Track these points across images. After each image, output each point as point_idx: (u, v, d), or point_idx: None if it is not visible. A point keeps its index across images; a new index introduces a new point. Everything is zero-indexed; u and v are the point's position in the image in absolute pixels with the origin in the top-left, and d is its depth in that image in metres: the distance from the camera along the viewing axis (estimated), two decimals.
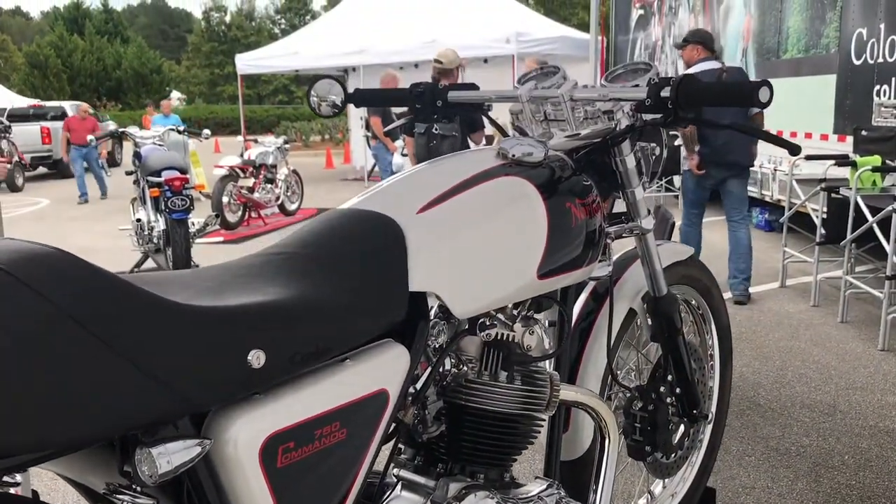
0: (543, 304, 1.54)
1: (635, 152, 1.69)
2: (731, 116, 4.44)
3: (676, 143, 4.47)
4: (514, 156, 1.43)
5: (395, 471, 1.40)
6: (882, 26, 5.73)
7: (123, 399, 0.85)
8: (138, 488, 0.91)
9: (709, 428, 2.23)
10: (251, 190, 9.25)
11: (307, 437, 1.03)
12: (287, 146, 10.22)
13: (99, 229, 9.31)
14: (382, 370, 1.14)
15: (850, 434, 3.17)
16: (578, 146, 1.64)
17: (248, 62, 14.54)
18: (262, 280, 1.10)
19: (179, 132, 7.06)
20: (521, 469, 2.75)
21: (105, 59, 42.31)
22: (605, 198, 1.68)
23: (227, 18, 52.83)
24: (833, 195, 4.95)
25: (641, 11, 11.56)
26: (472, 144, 5.71)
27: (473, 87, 1.87)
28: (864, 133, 5.55)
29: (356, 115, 14.82)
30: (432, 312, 1.32)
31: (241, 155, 9.64)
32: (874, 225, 4.38)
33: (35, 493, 1.78)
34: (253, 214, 9.51)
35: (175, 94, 50.11)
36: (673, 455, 1.95)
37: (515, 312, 1.49)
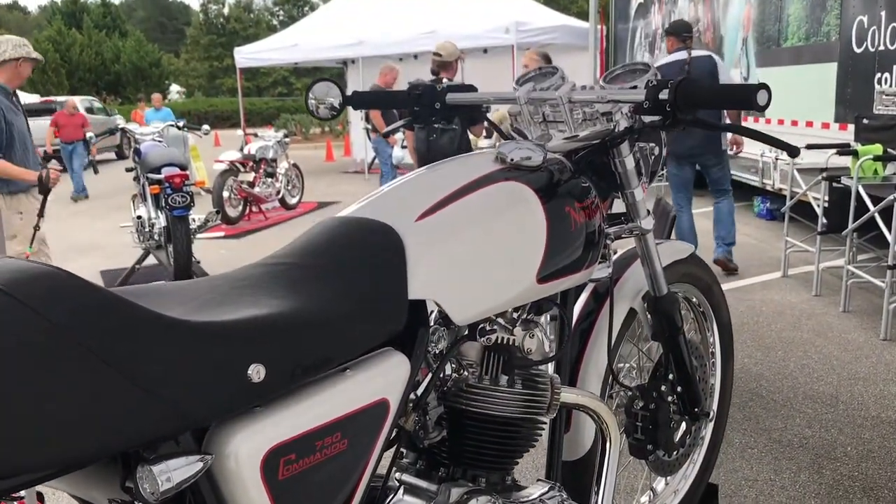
0: (544, 306, 1.54)
1: (634, 153, 1.69)
2: (703, 114, 4.49)
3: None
4: (512, 160, 1.43)
5: (398, 475, 1.41)
6: (883, 14, 5.70)
7: (124, 417, 0.85)
8: None
9: (710, 425, 2.23)
10: (251, 184, 9.26)
11: (308, 448, 1.04)
12: (287, 140, 10.22)
13: (100, 225, 9.31)
14: (383, 379, 1.14)
15: (853, 425, 3.18)
16: (577, 148, 1.63)
17: (246, 55, 14.50)
18: (260, 292, 1.10)
19: (179, 128, 7.04)
20: (524, 469, 2.75)
21: (103, 54, 42.20)
22: (604, 199, 1.67)
23: (226, 11, 52.69)
24: (834, 184, 4.94)
25: (641, 0, 11.52)
26: (471, 137, 5.72)
27: (472, 88, 1.87)
28: (865, 121, 5.53)
29: None
30: (432, 319, 1.32)
31: (241, 149, 9.64)
32: (876, 214, 4.37)
33: (40, 494, 1.80)
34: (254, 209, 9.52)
35: (174, 88, 50.08)
36: (675, 453, 1.95)
37: (515, 316, 1.49)
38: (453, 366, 1.42)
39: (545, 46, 10.90)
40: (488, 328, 1.40)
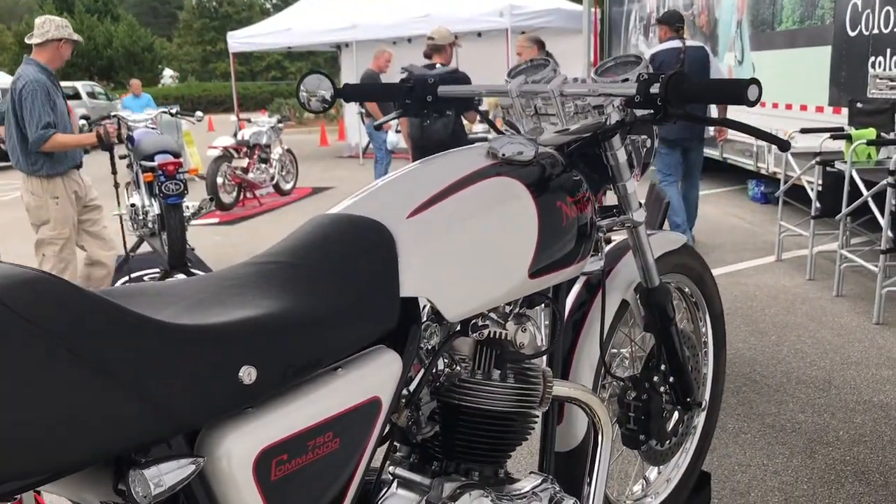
0: (536, 300, 1.54)
1: (626, 145, 1.69)
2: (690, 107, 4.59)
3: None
4: (504, 155, 1.43)
5: (391, 469, 1.42)
6: None
7: (115, 421, 0.85)
8: None
9: (703, 414, 2.25)
10: (245, 170, 9.23)
11: (300, 448, 1.04)
12: (281, 125, 10.17)
13: None
14: (374, 378, 1.15)
15: (845, 409, 3.20)
16: (569, 141, 1.63)
17: (239, 40, 14.40)
18: (251, 292, 1.10)
19: (172, 115, 6.99)
20: (517, 461, 2.77)
21: (96, 38, 41.82)
22: (596, 191, 1.67)
23: None
24: (828, 168, 4.95)
25: None
26: (465, 123, 5.70)
27: (464, 76, 1.87)
28: (859, 105, 5.53)
29: None
30: (424, 315, 1.32)
31: (235, 135, 9.59)
32: (869, 198, 4.38)
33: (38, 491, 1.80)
34: (248, 195, 9.49)
35: (167, 72, 49.74)
36: (667, 442, 1.97)
37: (508, 310, 1.49)
38: (446, 361, 1.42)
39: (539, 30, 10.85)
40: (480, 323, 1.40)
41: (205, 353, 0.94)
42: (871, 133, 4.84)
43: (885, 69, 5.59)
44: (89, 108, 18.86)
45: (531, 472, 1.50)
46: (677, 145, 5.87)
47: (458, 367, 1.42)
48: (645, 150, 1.73)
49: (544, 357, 1.65)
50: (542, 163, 1.49)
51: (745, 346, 3.96)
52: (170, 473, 0.90)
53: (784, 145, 1.46)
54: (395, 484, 1.39)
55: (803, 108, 6.76)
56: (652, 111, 1.46)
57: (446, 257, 1.28)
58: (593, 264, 1.66)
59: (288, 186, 10.21)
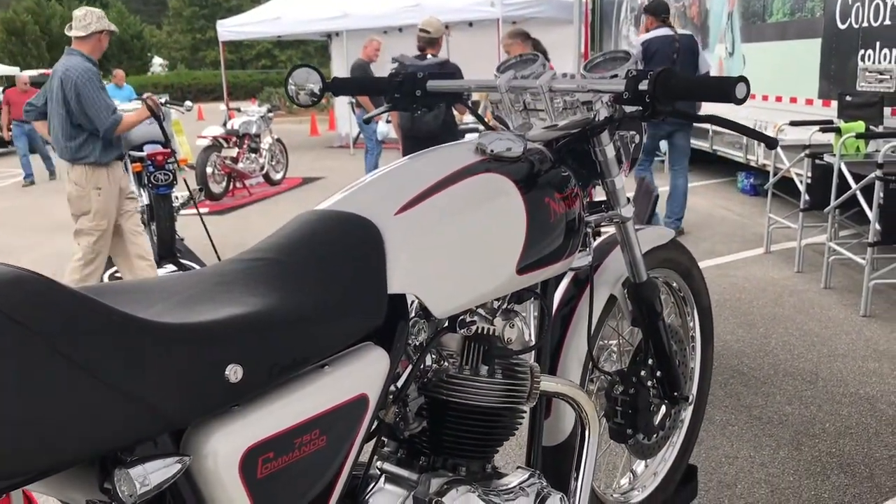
0: (524, 296, 1.54)
1: (614, 141, 1.69)
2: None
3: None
4: (492, 151, 1.43)
5: (379, 464, 1.42)
6: None
7: (101, 421, 0.85)
8: None
9: (690, 408, 2.26)
10: (235, 160, 9.19)
11: (287, 446, 1.04)
12: (271, 115, 10.13)
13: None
14: (362, 375, 1.15)
15: (832, 401, 3.22)
16: (558, 137, 1.63)
17: (229, 28, 14.33)
18: (238, 289, 1.09)
19: (162, 104, 6.94)
20: (504, 455, 2.78)
21: None
22: (584, 187, 1.67)
23: None
24: (817, 161, 4.97)
25: None
26: (456, 114, 5.68)
27: (455, 68, 1.86)
28: (848, 98, 5.54)
29: None
30: (412, 311, 1.32)
31: (225, 124, 9.54)
32: (857, 191, 4.40)
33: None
34: (237, 185, 9.46)
35: (157, 60, 49.40)
36: (654, 436, 1.98)
37: (496, 306, 1.49)
38: (433, 357, 1.42)
39: (530, 20, 10.84)
40: (468, 319, 1.41)
41: (191, 352, 0.94)
42: (860, 126, 4.86)
43: (874, 62, 5.60)
44: None
45: (518, 467, 1.51)
46: (660, 129, 5.98)
47: (446, 363, 1.43)
48: (633, 145, 1.73)
49: (532, 353, 1.66)
50: (530, 159, 1.49)
51: (734, 339, 3.98)
52: (155, 472, 0.90)
53: (771, 143, 1.46)
54: (382, 479, 1.39)
55: (793, 100, 6.77)
56: (640, 108, 1.46)
57: (434, 254, 1.28)
58: (581, 260, 1.66)
59: (278, 176, 10.18)
